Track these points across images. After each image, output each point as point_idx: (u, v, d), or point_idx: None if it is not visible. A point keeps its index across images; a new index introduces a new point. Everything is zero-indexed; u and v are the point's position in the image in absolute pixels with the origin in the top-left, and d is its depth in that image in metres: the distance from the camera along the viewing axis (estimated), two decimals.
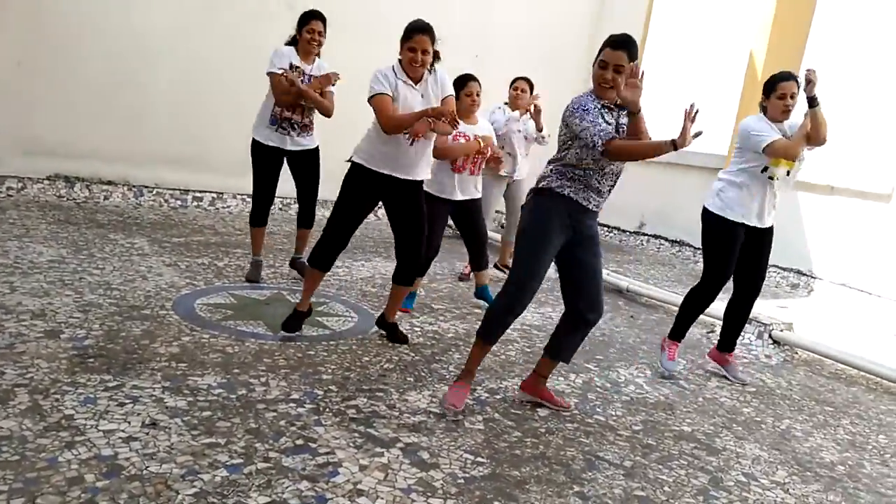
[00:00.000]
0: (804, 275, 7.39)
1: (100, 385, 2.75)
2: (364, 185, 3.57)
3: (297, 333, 3.67)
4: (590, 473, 2.62)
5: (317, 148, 4.71)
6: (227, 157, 7.09)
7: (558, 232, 2.98)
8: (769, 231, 3.93)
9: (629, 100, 2.83)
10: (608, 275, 6.00)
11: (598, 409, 3.27)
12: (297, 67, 4.44)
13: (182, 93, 6.87)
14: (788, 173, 3.78)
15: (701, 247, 4.00)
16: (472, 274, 5.08)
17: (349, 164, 3.61)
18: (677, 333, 4.03)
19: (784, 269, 7.58)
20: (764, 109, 3.84)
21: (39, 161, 6.37)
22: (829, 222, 7.19)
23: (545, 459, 2.67)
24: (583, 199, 2.99)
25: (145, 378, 2.88)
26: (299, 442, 2.53)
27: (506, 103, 5.73)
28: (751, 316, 4.84)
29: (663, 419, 3.28)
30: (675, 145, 2.71)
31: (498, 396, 3.25)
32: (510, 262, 3.38)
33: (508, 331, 4.25)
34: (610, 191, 3.07)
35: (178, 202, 7.07)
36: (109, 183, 6.75)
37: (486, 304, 4.53)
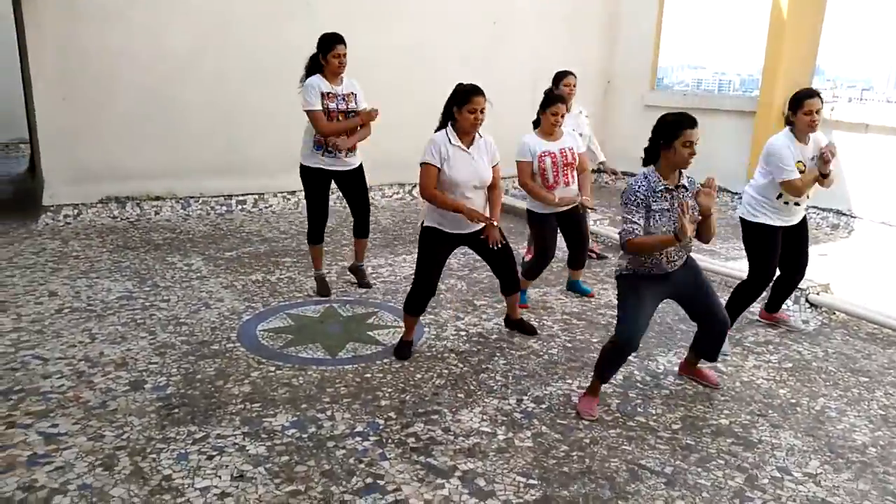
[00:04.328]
0: (844, 214, 7.38)
1: (188, 438, 3.09)
2: (442, 241, 3.96)
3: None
4: (633, 485, 2.87)
5: (360, 165, 4.94)
6: (262, 157, 7.42)
7: (650, 296, 3.38)
8: (803, 221, 4.27)
9: (704, 205, 3.18)
10: None
11: (639, 409, 3.51)
12: (330, 93, 4.66)
13: (212, 103, 7.10)
14: (808, 196, 4.14)
15: (745, 249, 4.37)
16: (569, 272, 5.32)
17: (422, 227, 4.00)
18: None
19: (823, 210, 7.57)
20: (791, 124, 4.08)
21: (90, 187, 6.75)
22: (865, 161, 7.12)
23: (591, 475, 2.93)
24: (658, 271, 3.36)
25: (226, 425, 3.22)
26: (369, 480, 2.83)
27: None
28: None
29: (701, 413, 3.50)
30: (677, 238, 3.12)
31: (544, 406, 3.51)
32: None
33: (549, 324, 4.53)
34: (685, 251, 3.40)
35: (224, 208, 7.40)
36: (158, 198, 7.10)
37: (574, 293, 5.25)
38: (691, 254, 3.51)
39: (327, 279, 5.17)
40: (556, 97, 4.64)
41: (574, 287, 5.26)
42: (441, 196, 3.80)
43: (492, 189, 3.98)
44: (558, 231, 4.83)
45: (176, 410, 3.34)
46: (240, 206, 7.48)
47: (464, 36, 8.29)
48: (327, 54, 4.63)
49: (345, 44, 4.64)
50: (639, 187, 3.24)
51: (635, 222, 3.21)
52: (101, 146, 6.72)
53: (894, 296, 5.35)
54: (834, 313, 4.86)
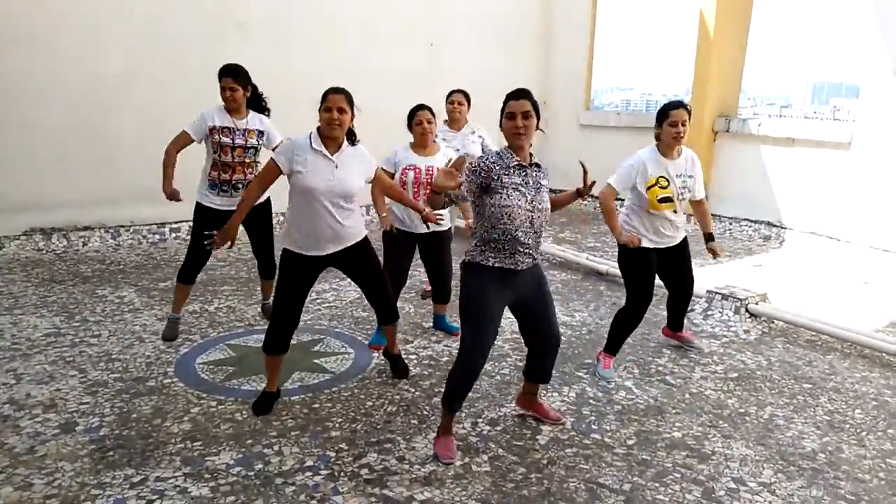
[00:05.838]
0: (774, 226, 7.64)
1: (125, 482, 2.89)
2: (300, 268, 3.50)
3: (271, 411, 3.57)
4: None
5: (268, 200, 4.53)
6: (196, 182, 7.13)
7: (496, 300, 3.05)
8: (683, 241, 4.13)
9: (443, 187, 2.85)
10: (587, 259, 6.19)
11: (593, 426, 3.48)
12: (226, 127, 4.33)
13: (142, 127, 6.84)
14: (675, 211, 3.97)
15: (620, 272, 4.14)
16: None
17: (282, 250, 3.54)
18: (612, 348, 4.15)
19: (755, 222, 7.82)
20: (658, 136, 3.95)
21: (12, 218, 6.39)
22: (792, 173, 7.40)
23: (550, 497, 2.87)
24: (510, 264, 3.04)
25: (165, 466, 3.03)
26: None
27: (445, 121, 5.55)
28: (728, 292, 5.10)
29: (654, 427, 3.50)
30: (579, 193, 3.26)
31: (499, 427, 3.44)
32: None
33: (500, 343, 4.49)
34: (537, 243, 3.11)
35: (157, 236, 7.12)
36: (86, 228, 6.77)
37: (440, 330, 4.77)
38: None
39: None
40: (415, 106, 4.30)
41: (439, 324, 4.78)
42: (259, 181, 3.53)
43: (390, 189, 3.75)
44: (415, 257, 4.48)
45: (111, 453, 3.13)
46: (174, 234, 7.21)
47: (401, 58, 8.28)
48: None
49: (235, 76, 4.25)
50: (491, 161, 2.98)
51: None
52: (25, 175, 6.38)
53: (829, 303, 5.53)
54: (773, 322, 4.98)
